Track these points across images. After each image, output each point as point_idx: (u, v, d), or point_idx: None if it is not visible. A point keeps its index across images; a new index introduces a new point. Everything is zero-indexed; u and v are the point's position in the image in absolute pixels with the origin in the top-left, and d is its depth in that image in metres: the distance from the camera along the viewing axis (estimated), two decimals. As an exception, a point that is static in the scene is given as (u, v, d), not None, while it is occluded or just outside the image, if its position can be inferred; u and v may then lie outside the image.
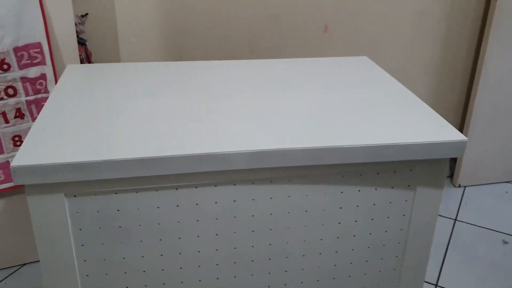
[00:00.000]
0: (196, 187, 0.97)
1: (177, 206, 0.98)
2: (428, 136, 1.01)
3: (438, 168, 1.05)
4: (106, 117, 1.06)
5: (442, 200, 2.20)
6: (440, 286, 1.73)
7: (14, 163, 0.88)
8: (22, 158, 0.89)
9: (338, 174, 1.02)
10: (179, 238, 1.01)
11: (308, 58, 1.50)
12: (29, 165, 0.88)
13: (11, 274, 1.75)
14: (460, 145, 1.01)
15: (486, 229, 2.03)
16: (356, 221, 1.08)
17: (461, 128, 2.34)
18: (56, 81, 1.55)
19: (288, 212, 1.04)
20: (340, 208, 1.06)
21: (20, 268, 1.77)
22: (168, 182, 0.95)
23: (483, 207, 2.18)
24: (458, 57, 2.18)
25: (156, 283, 1.04)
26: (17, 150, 1.59)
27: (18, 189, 1.65)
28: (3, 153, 1.58)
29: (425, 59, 2.14)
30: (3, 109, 1.52)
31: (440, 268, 1.81)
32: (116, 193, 0.95)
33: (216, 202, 0.99)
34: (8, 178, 1.61)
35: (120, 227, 0.98)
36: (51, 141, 0.95)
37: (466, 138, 1.02)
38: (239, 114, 1.08)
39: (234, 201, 1.00)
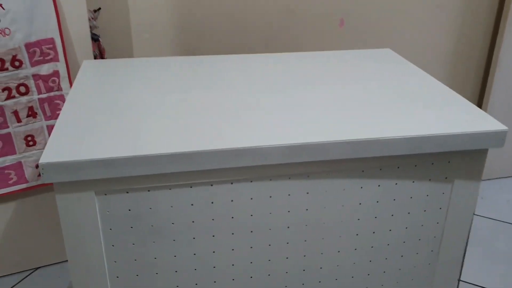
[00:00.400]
0: (232, 183, 0.93)
1: (212, 202, 0.94)
2: (467, 127, 0.98)
3: (476, 160, 1.02)
4: (132, 112, 1.01)
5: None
6: (463, 281, 1.70)
7: (42, 160, 0.83)
8: (50, 154, 0.85)
9: (375, 168, 0.99)
10: (213, 236, 0.97)
11: (327, 51, 1.47)
12: (58, 162, 0.83)
13: (24, 278, 1.70)
14: (501, 135, 0.98)
15: (504, 223, 2.01)
16: (392, 215, 1.04)
17: (474, 122, 2.31)
18: (69, 78, 1.51)
19: (324, 207, 1.00)
20: (377, 202, 1.02)
21: (33, 272, 1.73)
22: (203, 178, 0.91)
23: (500, 201, 2.16)
24: (473, 51, 2.15)
25: (188, 283, 1.00)
26: (29, 151, 1.54)
27: (30, 191, 1.61)
28: (15, 153, 1.53)
29: (440, 52, 2.11)
30: (14, 108, 1.48)
31: (461, 263, 1.78)
32: (148, 190, 0.91)
33: (251, 198, 0.96)
34: (20, 180, 1.56)
35: (152, 226, 0.94)
36: (78, 137, 0.91)
37: (507, 128, 0.99)
38: (268, 108, 1.05)
39: (270, 196, 0.96)
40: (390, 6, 1.96)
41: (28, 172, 1.56)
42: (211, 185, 0.93)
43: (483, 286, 1.68)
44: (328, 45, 1.93)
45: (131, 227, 0.93)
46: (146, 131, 0.94)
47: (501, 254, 1.83)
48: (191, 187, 0.92)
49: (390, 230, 1.06)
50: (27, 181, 1.57)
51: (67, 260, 1.28)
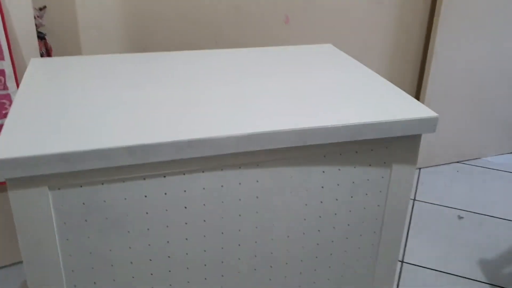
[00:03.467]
0: (184, 174, 0.97)
1: (165, 194, 0.97)
2: (402, 115, 1.06)
3: (411, 145, 1.11)
4: (84, 107, 1.03)
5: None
6: (406, 262, 1.81)
7: (-5, 156, 0.84)
8: (2, 150, 0.85)
9: (320, 155, 1.05)
10: (167, 226, 1.00)
11: (274, 47, 1.52)
12: (9, 158, 0.84)
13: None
14: (433, 121, 1.07)
15: (442, 207, 2.14)
16: (337, 199, 1.11)
17: (413, 113, 2.45)
18: (16, 77, 1.49)
19: (274, 195, 1.05)
20: (322, 187, 1.09)
21: (10, 266, 1.69)
22: (156, 170, 0.95)
23: (438, 187, 2.30)
24: (410, 42, 2.28)
25: (143, 274, 1.03)
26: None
27: (5, 186, 1.57)
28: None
29: (380, 47, 2.22)
30: (-42, 108, 1.44)
31: (404, 246, 1.89)
32: (102, 184, 0.93)
33: (203, 188, 1.00)
34: (-34, 181, 1.53)
35: (106, 218, 0.96)
36: (30, 133, 0.92)
37: (438, 115, 1.08)
38: (219, 100, 1.09)
39: (222, 186, 1.01)
40: (334, 3, 2.04)
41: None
42: (164, 177, 0.96)
43: (425, 266, 1.79)
44: (276, 41, 2.00)
45: (86, 220, 0.95)
46: (98, 125, 0.96)
47: (441, 236, 1.96)
48: (144, 179, 0.95)
49: (335, 214, 1.13)
50: (-27, 183, 1.54)
51: (21, 261, 1.27)
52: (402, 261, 1.81)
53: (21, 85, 1.14)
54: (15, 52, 1.48)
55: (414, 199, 2.19)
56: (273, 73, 1.28)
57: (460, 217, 2.07)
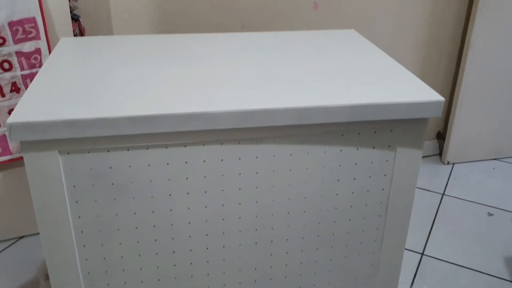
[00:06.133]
0: (185, 146, 1.02)
1: (167, 164, 1.03)
2: (407, 97, 1.06)
3: (417, 129, 1.10)
4: (99, 80, 1.10)
5: (430, 176, 2.26)
6: (426, 255, 1.78)
7: (10, 120, 0.92)
8: (18, 115, 0.93)
9: (320, 134, 1.07)
10: (170, 195, 1.06)
11: (295, 31, 1.54)
12: (24, 122, 0.92)
13: (8, 247, 1.79)
14: (438, 105, 1.06)
15: (472, 203, 2.09)
16: (338, 180, 1.12)
17: (449, 107, 2.39)
18: (50, 55, 1.59)
19: (273, 171, 1.08)
20: (323, 167, 1.10)
21: (17, 241, 1.82)
22: (158, 141, 1.00)
23: (470, 183, 2.24)
24: (446, 34, 2.22)
25: (147, 239, 1.09)
26: (13, 124, 1.63)
27: (15, 162, 1.70)
28: (0, 126, 1.62)
29: (412, 35, 2.18)
30: (-1, 83, 1.56)
31: (426, 239, 1.86)
32: (108, 151, 0.99)
33: (204, 161, 1.04)
34: (5, 152, 1.65)
35: (112, 184, 1.02)
36: (46, 101, 1.00)
37: (444, 99, 1.06)
38: (227, 79, 1.13)
39: (222, 160, 1.05)
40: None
41: (12, 144, 1.65)
42: (166, 148, 1.01)
43: (446, 260, 1.76)
44: (302, 27, 2.01)
45: (93, 185, 1.02)
46: (108, 96, 1.02)
47: (466, 231, 1.91)
48: (147, 148, 1.01)
49: (337, 194, 1.14)
50: (11, 153, 1.66)
51: None
52: (422, 253, 1.79)
53: (47, 60, 1.23)
54: (50, 32, 1.58)
55: (444, 194, 2.15)
56: (288, 55, 1.30)
57: (490, 214, 2.01)
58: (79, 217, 1.04)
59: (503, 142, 2.41)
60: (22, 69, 1.58)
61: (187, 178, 1.05)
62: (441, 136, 2.45)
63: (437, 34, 2.21)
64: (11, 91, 1.59)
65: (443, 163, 2.40)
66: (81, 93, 1.04)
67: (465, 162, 2.40)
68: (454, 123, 2.30)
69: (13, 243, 1.81)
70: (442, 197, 2.12)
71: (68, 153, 0.98)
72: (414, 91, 1.09)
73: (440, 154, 2.45)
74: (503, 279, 1.67)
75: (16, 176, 1.72)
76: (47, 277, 1.57)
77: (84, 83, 1.09)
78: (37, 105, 0.98)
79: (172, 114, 0.96)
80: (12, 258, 1.73)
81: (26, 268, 1.68)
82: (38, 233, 1.85)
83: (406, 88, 1.10)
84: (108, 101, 1.00)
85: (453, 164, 2.39)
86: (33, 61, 1.58)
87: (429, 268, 1.72)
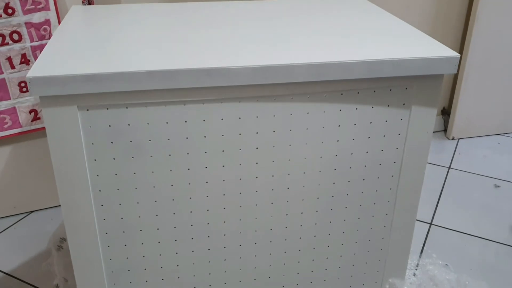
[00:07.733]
0: (203, 103, 1.02)
1: (185, 122, 1.03)
2: (422, 53, 1.06)
3: (432, 86, 1.11)
4: (116, 39, 1.10)
5: (436, 152, 2.27)
6: (434, 225, 1.80)
7: (29, 74, 0.92)
8: (37, 69, 0.94)
9: (337, 92, 1.07)
10: (188, 153, 1.06)
11: None
12: (43, 76, 0.92)
13: (18, 221, 1.80)
14: (453, 61, 1.06)
15: (479, 175, 2.10)
16: (353, 139, 1.13)
17: (454, 82, 2.40)
18: (60, 26, 1.59)
19: (290, 130, 1.09)
20: (339, 126, 1.11)
21: (27, 215, 1.83)
22: (176, 97, 1.00)
23: (476, 157, 2.25)
24: (452, 7, 2.22)
25: (165, 199, 1.10)
26: (23, 96, 1.63)
27: (25, 135, 1.70)
28: (10, 99, 1.62)
29: (418, 9, 2.18)
30: (8, 54, 1.56)
31: (434, 209, 1.88)
32: (126, 107, 1.00)
33: (222, 119, 1.04)
34: (15, 124, 1.65)
35: (131, 141, 1.03)
36: (65, 56, 1.00)
37: (459, 55, 1.07)
38: (244, 38, 1.13)
39: (239, 118, 1.05)
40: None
41: (22, 117, 1.65)
42: (184, 105, 1.02)
43: (454, 229, 1.78)
44: None
45: (112, 142, 1.02)
46: (127, 52, 1.02)
47: (473, 202, 1.93)
48: (165, 105, 1.01)
49: (351, 153, 1.15)
50: (21, 126, 1.66)
51: (59, 205, 1.37)
52: (430, 223, 1.80)
53: (60, 25, 1.23)
54: (60, 3, 1.58)
55: (450, 167, 2.16)
56: (302, 19, 1.30)
57: (496, 186, 2.03)
58: (98, 175, 1.05)
59: (508, 118, 2.42)
60: (31, 40, 1.57)
61: (204, 137, 1.05)
62: (446, 112, 2.45)
63: (443, 8, 2.21)
64: (21, 63, 1.58)
65: (448, 139, 2.41)
66: (98, 50, 1.04)
67: (470, 137, 2.42)
68: (460, 99, 2.30)
69: (24, 217, 1.82)
70: (448, 171, 2.13)
71: (87, 110, 0.98)
72: (429, 48, 1.10)
73: (445, 130, 2.46)
74: (511, 246, 1.68)
75: (26, 149, 1.72)
76: (59, 248, 1.58)
77: (100, 42, 1.09)
78: (56, 61, 0.98)
79: (190, 69, 0.97)
80: (23, 231, 1.74)
81: (37, 240, 1.68)
82: (48, 208, 1.86)
83: (421, 46, 1.11)
84: (126, 57, 1.01)
85: (458, 139, 2.40)
86: (42, 32, 1.58)
87: (438, 237, 1.73)
